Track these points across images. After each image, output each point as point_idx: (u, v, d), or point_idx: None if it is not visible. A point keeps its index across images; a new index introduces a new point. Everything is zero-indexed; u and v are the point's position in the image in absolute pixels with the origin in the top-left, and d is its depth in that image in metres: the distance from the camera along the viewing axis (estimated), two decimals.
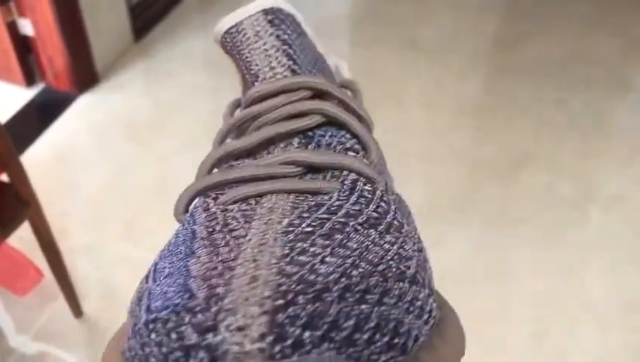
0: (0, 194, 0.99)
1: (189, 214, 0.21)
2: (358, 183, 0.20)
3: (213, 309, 0.15)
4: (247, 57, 0.25)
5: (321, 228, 0.18)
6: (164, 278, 0.18)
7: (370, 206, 0.19)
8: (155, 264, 0.19)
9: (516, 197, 1.46)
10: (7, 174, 0.99)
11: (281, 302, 0.15)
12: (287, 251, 0.17)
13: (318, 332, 0.14)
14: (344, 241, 0.17)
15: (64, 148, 1.57)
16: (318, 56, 0.26)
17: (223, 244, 0.18)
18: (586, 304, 1.27)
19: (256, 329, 0.14)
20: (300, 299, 0.15)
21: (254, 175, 0.21)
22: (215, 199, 0.20)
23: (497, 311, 1.25)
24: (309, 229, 0.18)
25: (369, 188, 0.20)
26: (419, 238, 0.20)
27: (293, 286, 0.15)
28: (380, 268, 0.17)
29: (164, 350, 0.15)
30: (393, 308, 0.16)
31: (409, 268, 0.18)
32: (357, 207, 0.19)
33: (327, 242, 0.17)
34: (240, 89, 0.28)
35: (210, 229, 0.19)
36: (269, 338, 0.14)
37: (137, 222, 1.40)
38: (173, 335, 0.15)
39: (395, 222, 0.19)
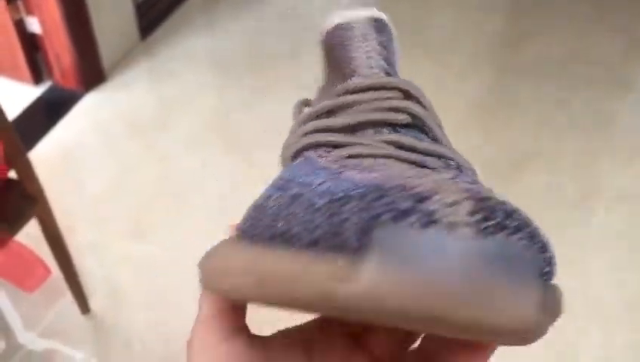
0: (8, 191, 1.00)
1: (301, 158, 0.23)
2: (465, 168, 0.23)
3: (419, 189, 0.16)
4: (351, 52, 0.27)
5: (454, 177, 0.19)
6: (313, 182, 0.19)
7: (476, 185, 0.21)
8: (276, 178, 0.21)
9: (517, 197, 1.45)
10: (15, 171, 1.00)
11: (482, 195, 0.17)
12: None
13: (515, 223, 0.17)
14: (481, 187, 0.19)
15: (70, 145, 1.58)
16: (398, 71, 0.29)
17: (371, 168, 0.19)
18: (588, 303, 1.27)
19: (465, 206, 0.16)
20: (493, 201, 0.17)
21: (357, 142, 0.22)
22: (328, 153, 0.22)
23: None
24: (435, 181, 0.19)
25: (470, 175, 0.22)
26: None
27: (483, 193, 0.17)
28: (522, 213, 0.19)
29: (365, 215, 0.16)
30: (538, 230, 0.19)
31: (532, 221, 0.19)
32: (469, 182, 0.20)
33: (473, 183, 0.19)
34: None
35: (337, 165, 0.20)
36: (478, 216, 0.16)
37: (142, 219, 1.41)
38: (379, 204, 0.16)
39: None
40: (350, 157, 0.22)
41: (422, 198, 0.16)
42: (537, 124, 1.65)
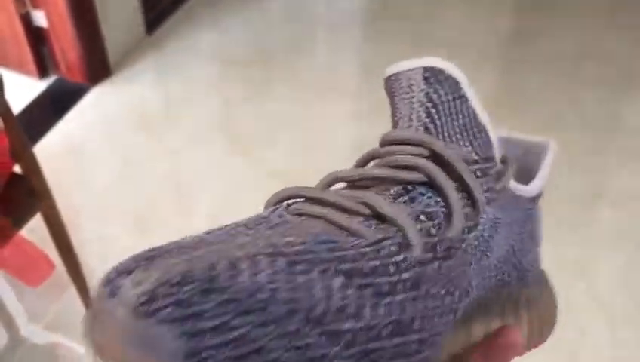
0: (13, 187, 1.00)
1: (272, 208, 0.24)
2: (386, 241, 0.21)
3: (141, 264, 0.18)
4: (396, 103, 0.27)
5: (303, 255, 0.19)
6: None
7: (371, 262, 0.20)
8: None
9: None
10: (20, 166, 1.00)
11: (176, 279, 0.17)
12: (241, 255, 0.18)
13: (177, 314, 0.17)
14: (293, 270, 0.18)
15: (75, 140, 1.58)
16: (473, 123, 0.26)
17: (238, 234, 0.20)
18: (597, 301, 1.27)
19: (144, 286, 0.17)
20: (188, 287, 0.17)
21: (324, 199, 0.22)
22: (289, 206, 0.23)
23: None
24: (295, 250, 0.19)
25: (395, 249, 0.21)
26: (425, 323, 0.21)
27: (174, 279, 0.17)
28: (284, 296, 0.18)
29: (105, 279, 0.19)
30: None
31: (316, 308, 0.18)
32: (358, 256, 0.20)
33: (284, 267, 0.18)
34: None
35: (258, 223, 0.21)
36: (144, 298, 0.17)
37: (147, 214, 1.41)
38: (113, 273, 0.19)
39: (387, 288, 0.20)
40: (298, 214, 0.22)
41: (126, 273, 0.18)
42: (548, 121, 1.64)
